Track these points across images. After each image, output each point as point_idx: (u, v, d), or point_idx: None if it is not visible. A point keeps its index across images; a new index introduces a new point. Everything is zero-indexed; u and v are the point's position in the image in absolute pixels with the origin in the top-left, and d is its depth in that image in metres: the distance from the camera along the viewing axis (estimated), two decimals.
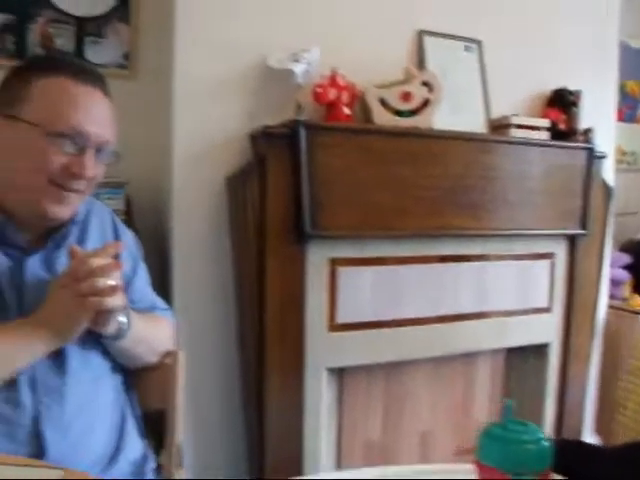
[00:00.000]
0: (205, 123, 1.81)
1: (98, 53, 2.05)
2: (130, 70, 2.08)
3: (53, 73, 1.07)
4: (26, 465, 0.93)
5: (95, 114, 1.07)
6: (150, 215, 2.03)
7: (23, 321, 1.03)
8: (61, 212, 1.09)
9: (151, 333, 1.24)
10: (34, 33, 1.97)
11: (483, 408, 2.28)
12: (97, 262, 1.03)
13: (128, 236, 1.28)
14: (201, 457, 1.86)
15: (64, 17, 1.99)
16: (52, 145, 1.04)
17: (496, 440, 0.86)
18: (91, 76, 1.10)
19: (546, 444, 0.85)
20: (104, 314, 1.07)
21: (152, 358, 1.26)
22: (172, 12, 1.81)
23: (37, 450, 1.02)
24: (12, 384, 1.02)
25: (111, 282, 1.04)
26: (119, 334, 1.12)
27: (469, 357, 2.20)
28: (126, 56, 2.08)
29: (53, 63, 1.11)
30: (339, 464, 2.05)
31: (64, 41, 2.00)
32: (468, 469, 0.89)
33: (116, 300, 1.05)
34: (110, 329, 1.10)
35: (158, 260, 1.86)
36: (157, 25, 2.07)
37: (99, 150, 1.09)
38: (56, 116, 1.04)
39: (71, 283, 1.02)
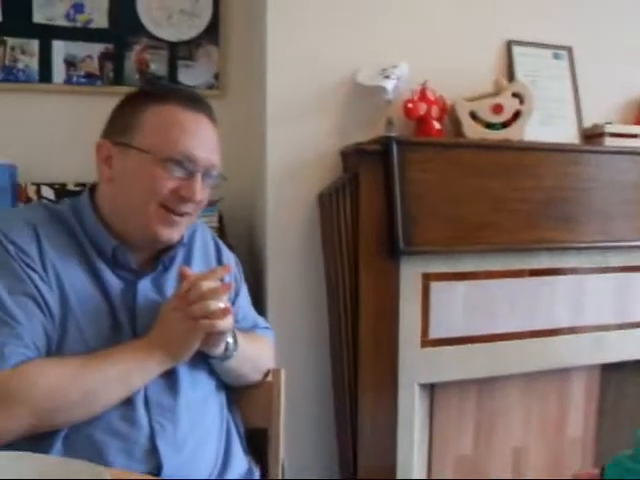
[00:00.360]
0: (297, 140, 1.85)
1: (189, 75, 2.13)
2: (220, 90, 2.15)
3: (163, 101, 1.10)
4: None
5: (203, 139, 1.11)
6: (242, 232, 2.08)
7: (138, 342, 1.07)
8: (171, 235, 1.12)
9: (255, 353, 1.27)
10: (131, 60, 2.07)
11: (577, 425, 2.21)
12: (208, 285, 1.06)
13: (230, 257, 1.32)
14: (294, 474, 1.88)
15: (158, 43, 2.09)
16: (163, 170, 1.07)
17: (627, 472, 0.84)
18: (198, 103, 1.13)
19: None
20: (214, 336, 1.10)
21: (256, 377, 1.29)
22: (263, 31, 1.86)
23: (153, 466, 1.05)
24: (129, 403, 1.05)
25: (221, 304, 1.07)
26: (227, 355, 1.16)
27: (563, 372, 2.14)
28: (216, 76, 2.15)
29: (163, 92, 1.16)
30: (430, 478, 2.03)
31: (158, 66, 2.10)
32: None
33: (226, 322, 1.08)
34: (219, 350, 1.14)
35: (251, 276, 1.90)
36: (246, 45, 2.13)
37: (206, 174, 1.12)
38: (166, 142, 1.07)
39: (183, 305, 1.06)
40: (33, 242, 1.05)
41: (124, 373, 1.04)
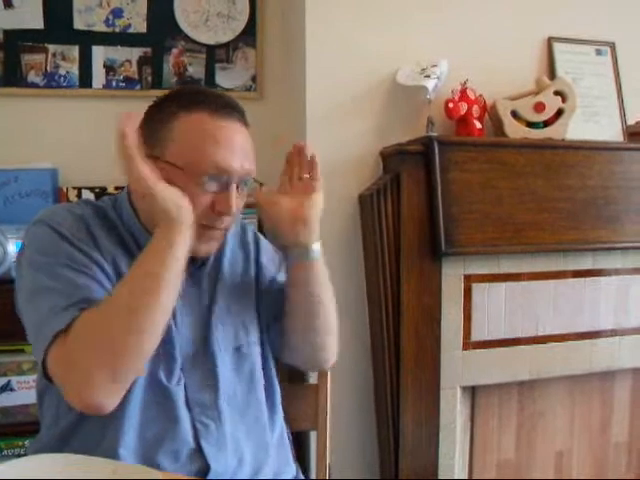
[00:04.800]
0: (336, 141, 1.84)
1: (227, 78, 2.14)
2: (258, 92, 2.15)
3: (193, 110, 1.05)
4: None
5: (236, 148, 1.06)
6: None
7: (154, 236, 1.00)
8: (210, 249, 1.11)
9: (330, 298, 1.23)
10: (169, 64, 2.08)
11: (622, 429, 2.17)
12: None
13: (268, 245, 1.28)
14: (337, 475, 1.88)
15: (196, 46, 2.09)
16: (197, 187, 1.03)
17: None
18: (230, 109, 1.08)
19: None
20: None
21: (325, 334, 1.24)
22: (300, 33, 1.85)
23: (201, 467, 1.05)
24: (170, 403, 1.05)
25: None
26: (312, 255, 1.15)
27: (607, 375, 2.09)
28: (253, 79, 2.15)
29: (192, 99, 1.08)
30: None
31: (196, 69, 2.10)
32: None
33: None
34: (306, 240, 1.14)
35: None
36: (283, 47, 2.13)
37: (241, 182, 1.08)
38: (199, 156, 1.03)
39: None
40: (86, 233, 1.04)
41: (162, 267, 0.96)
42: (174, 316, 1.08)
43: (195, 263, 1.13)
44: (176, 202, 0.99)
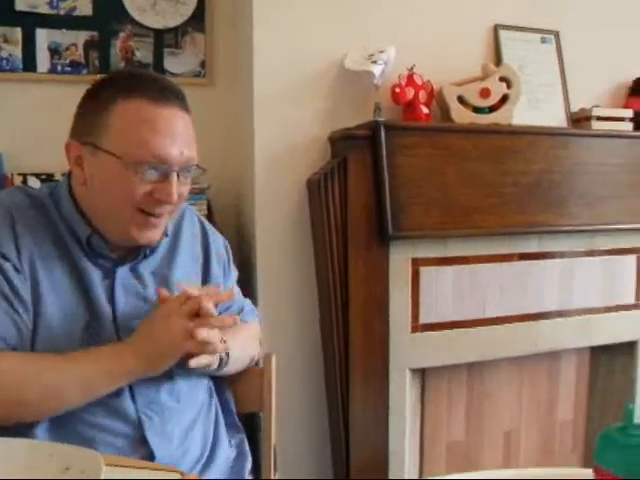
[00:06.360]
0: (285, 126, 1.83)
1: (176, 63, 2.11)
2: (207, 78, 2.13)
3: (131, 96, 1.02)
4: (143, 467, 0.94)
5: (176, 136, 1.03)
6: (231, 219, 2.08)
7: (116, 347, 1.04)
8: (151, 237, 1.09)
9: (245, 349, 1.26)
10: (116, 48, 2.05)
11: (568, 407, 2.23)
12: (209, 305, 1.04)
13: (218, 242, 1.29)
14: (287, 458, 1.89)
15: (144, 31, 2.07)
16: (135, 174, 1.01)
17: (617, 445, 0.84)
18: (170, 94, 1.05)
19: None
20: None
21: (243, 367, 1.29)
22: (249, 18, 1.84)
23: (144, 457, 1.04)
24: (115, 395, 1.04)
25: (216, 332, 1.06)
26: (219, 369, 1.15)
27: (553, 356, 2.15)
28: (203, 64, 2.13)
29: (130, 84, 1.04)
30: (422, 464, 2.04)
31: (144, 54, 2.08)
32: (581, 473, 0.87)
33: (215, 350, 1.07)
34: (211, 368, 1.13)
35: (240, 263, 1.89)
36: (232, 32, 2.12)
37: (183, 170, 1.06)
38: (137, 145, 1.00)
39: (177, 315, 1.03)
40: (7, 227, 1.02)
41: (88, 378, 1.00)
42: (115, 306, 1.08)
43: (139, 254, 1.12)
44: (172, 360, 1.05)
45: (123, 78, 1.09)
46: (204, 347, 1.05)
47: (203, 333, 1.02)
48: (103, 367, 1.01)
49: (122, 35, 2.04)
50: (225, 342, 1.09)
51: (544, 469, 1.09)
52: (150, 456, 1.04)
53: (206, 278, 1.22)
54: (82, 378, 0.99)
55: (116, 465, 0.87)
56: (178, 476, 0.91)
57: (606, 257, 2.11)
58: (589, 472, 0.86)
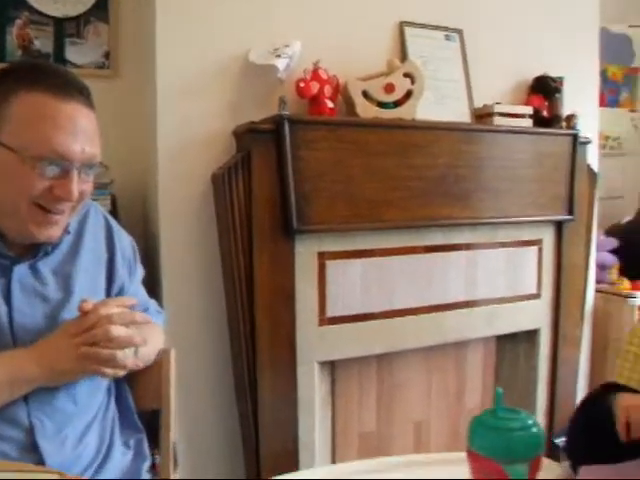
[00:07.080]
0: (188, 120, 1.81)
1: (78, 53, 2.04)
2: (111, 69, 2.07)
3: (32, 89, 0.98)
4: (21, 470, 0.93)
5: (78, 132, 1.00)
6: (136, 214, 2.03)
7: (16, 353, 1.01)
8: (50, 234, 1.05)
9: (148, 351, 1.22)
10: (12, 36, 1.96)
11: (476, 395, 2.30)
12: (118, 331, 1.03)
13: (124, 240, 1.25)
14: (196, 454, 1.87)
15: (43, 18, 1.99)
16: (33, 169, 0.97)
17: (487, 428, 0.87)
18: (73, 90, 1.02)
19: (536, 431, 0.85)
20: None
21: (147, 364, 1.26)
22: (152, 9, 1.80)
23: (36, 464, 1.01)
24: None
25: (129, 356, 1.06)
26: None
27: (460, 345, 2.21)
28: (106, 55, 2.07)
29: (32, 77, 1.01)
30: (334, 455, 2.06)
31: (43, 42, 2.00)
32: (461, 457, 0.90)
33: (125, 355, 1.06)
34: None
35: (145, 258, 1.85)
36: (137, 23, 2.07)
37: (84, 167, 1.03)
38: (37, 140, 0.97)
39: (82, 332, 1.02)
40: None
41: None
42: (11, 305, 1.04)
43: (38, 251, 1.08)
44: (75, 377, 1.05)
45: (25, 70, 1.05)
46: (104, 364, 1.04)
47: (90, 350, 1.02)
48: (4, 374, 0.98)
49: (18, 22, 1.95)
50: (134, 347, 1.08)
51: (409, 456, 1.11)
52: (41, 462, 1.01)
53: (111, 277, 1.19)
54: None
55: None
56: (57, 476, 0.90)
57: (509, 249, 2.19)
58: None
